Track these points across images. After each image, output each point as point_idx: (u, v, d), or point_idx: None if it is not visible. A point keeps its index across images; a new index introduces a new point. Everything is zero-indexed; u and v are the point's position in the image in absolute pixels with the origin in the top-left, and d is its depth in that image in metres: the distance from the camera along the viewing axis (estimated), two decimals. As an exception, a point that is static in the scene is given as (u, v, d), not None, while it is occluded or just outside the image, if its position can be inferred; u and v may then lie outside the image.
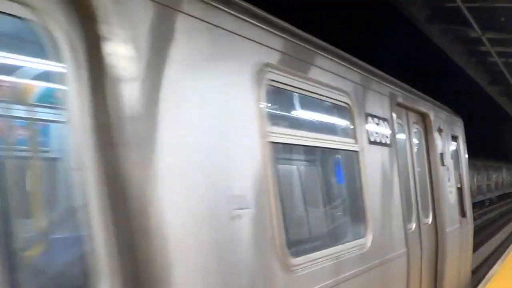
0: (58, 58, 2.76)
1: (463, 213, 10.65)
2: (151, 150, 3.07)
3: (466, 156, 12.08)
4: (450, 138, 10.51)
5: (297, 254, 4.40)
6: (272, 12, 4.69)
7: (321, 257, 4.73)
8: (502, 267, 12.33)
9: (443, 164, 9.05)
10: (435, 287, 8.35)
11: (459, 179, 10.81)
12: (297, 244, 4.91)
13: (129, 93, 2.96)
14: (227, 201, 3.63)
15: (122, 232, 2.82)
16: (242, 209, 3.80)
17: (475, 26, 13.42)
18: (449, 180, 9.46)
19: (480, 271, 15.21)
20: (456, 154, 11.23)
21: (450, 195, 9.40)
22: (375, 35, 17.24)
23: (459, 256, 9.83)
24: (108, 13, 2.93)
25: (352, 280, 5.35)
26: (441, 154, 9.06)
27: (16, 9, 2.69)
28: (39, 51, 2.89)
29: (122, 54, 2.98)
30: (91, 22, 2.89)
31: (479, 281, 11.38)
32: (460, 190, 10.66)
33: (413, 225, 7.39)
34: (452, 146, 10.68)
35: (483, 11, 13.11)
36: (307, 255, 4.58)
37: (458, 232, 9.82)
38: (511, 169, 58.67)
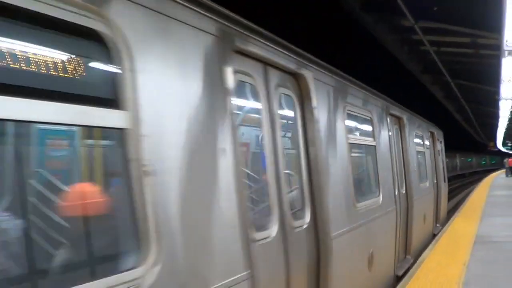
0: None
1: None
2: None
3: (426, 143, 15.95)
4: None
5: None
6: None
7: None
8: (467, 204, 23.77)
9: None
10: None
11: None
12: None
13: None
14: None
15: None
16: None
17: (408, 15, 13.35)
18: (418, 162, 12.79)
19: (456, 208, 25.61)
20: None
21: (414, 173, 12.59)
22: (310, 24, 17.04)
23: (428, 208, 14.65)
24: None
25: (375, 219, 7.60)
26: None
27: None
28: None
29: None
30: None
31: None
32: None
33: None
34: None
35: (416, 0, 13.12)
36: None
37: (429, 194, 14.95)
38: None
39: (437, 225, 17.80)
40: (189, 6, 4.16)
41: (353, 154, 8.66)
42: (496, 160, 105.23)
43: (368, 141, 9.74)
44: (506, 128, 31.45)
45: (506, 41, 8.27)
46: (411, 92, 24.16)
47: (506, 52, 8.55)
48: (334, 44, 17.56)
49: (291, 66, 6.06)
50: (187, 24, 4.09)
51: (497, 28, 8.64)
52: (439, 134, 17.91)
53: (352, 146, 8.53)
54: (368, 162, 9.97)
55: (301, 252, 6.01)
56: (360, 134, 9.58)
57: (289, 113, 6.41)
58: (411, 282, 10.49)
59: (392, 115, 11.53)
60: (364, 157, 9.95)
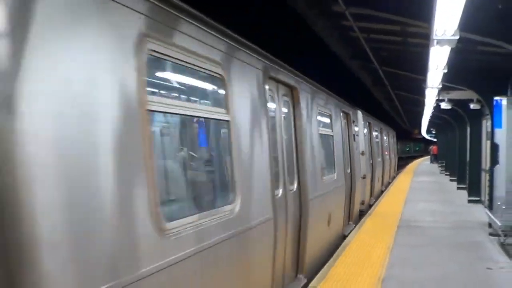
0: None
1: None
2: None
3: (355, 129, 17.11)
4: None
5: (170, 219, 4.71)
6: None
7: (193, 222, 5.11)
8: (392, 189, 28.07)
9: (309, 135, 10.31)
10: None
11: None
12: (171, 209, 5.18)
13: None
14: (101, 163, 3.76)
15: None
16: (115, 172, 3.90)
17: (339, 0, 13.42)
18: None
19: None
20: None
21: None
22: (242, 11, 16.94)
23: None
24: None
25: (223, 243, 5.77)
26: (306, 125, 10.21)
27: None
28: None
29: None
30: None
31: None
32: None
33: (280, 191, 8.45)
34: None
35: (348, -14, 13.19)
36: (180, 220, 4.88)
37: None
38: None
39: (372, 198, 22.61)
40: (250, 53, 7.10)
41: (321, 141, 11.62)
42: (420, 147, 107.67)
43: (328, 131, 12.87)
44: (431, 116, 32.18)
45: (436, 30, 8.40)
46: (339, 77, 24.41)
47: (435, 41, 8.70)
48: (266, 28, 17.53)
49: (290, 82, 9.27)
50: (249, 64, 7.09)
51: (427, 17, 8.77)
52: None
53: (320, 136, 11.45)
54: (328, 147, 12.81)
55: (294, 206, 9.09)
56: (324, 127, 12.34)
57: (288, 113, 9.42)
58: (338, 262, 10.67)
59: (343, 112, 15.44)
60: (326, 143, 12.51)
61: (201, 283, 5.21)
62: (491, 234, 14.49)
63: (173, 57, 5.01)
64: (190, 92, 5.99)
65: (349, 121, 16.98)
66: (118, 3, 4.08)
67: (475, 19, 9.14)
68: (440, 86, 16.01)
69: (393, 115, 51.25)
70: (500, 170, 15.26)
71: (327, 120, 12.92)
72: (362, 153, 19.31)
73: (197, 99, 6.13)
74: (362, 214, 18.60)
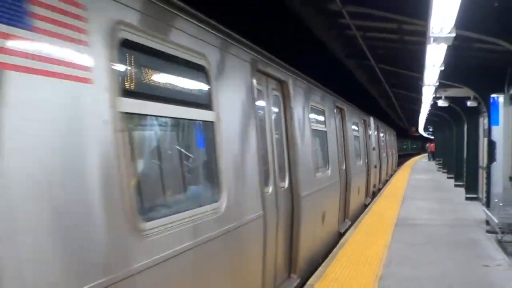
0: None
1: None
2: None
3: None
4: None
5: (149, 219, 4.48)
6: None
7: (175, 221, 4.83)
8: (389, 187, 28.70)
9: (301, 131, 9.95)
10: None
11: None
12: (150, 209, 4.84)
13: None
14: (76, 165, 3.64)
15: None
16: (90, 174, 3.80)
17: (337, -1, 13.40)
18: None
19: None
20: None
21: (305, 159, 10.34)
22: (241, 10, 16.92)
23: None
24: None
25: (208, 243, 5.48)
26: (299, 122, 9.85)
27: None
28: None
29: None
30: None
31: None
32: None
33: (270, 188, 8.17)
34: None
35: (345, -16, 13.19)
36: (160, 219, 4.65)
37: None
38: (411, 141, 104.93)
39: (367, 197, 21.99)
40: (236, 44, 6.82)
41: (314, 137, 11.43)
42: (417, 145, 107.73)
43: (321, 127, 12.69)
44: (428, 114, 32.21)
45: (432, 28, 8.40)
46: (336, 75, 24.44)
47: (431, 39, 8.69)
48: (263, 26, 17.52)
49: (280, 76, 8.95)
50: (236, 56, 6.81)
51: (423, 15, 8.77)
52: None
53: (313, 132, 11.26)
54: (322, 143, 12.72)
55: (286, 203, 8.91)
56: (317, 122, 12.19)
57: (278, 108, 9.14)
58: (335, 261, 10.67)
59: (337, 107, 15.22)
60: (319, 139, 12.44)
61: (184, 286, 5.01)
62: (488, 232, 14.49)
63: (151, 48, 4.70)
64: (171, 87, 5.46)
65: (366, 125, 22.34)
66: None
67: (471, 16, 9.14)
68: (437, 83, 16.02)
69: (390, 113, 51.26)
70: (497, 167, 15.29)
71: (320, 116, 12.75)
72: (374, 149, 24.25)
73: (178, 93, 5.49)
74: (374, 194, 23.83)
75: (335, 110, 14.55)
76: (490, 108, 15.60)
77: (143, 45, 4.57)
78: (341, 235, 14.11)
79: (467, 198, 22.38)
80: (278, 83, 9.10)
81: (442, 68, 12.87)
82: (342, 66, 21.51)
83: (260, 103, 7.99)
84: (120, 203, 4.05)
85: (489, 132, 15.77)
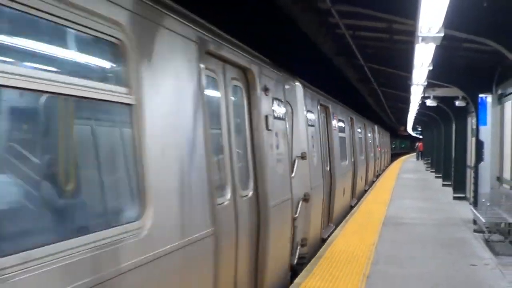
0: None
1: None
2: None
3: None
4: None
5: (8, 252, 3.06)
6: None
7: (59, 252, 3.42)
8: (378, 185, 29.91)
9: (267, 128, 8.16)
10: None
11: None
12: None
13: None
14: None
15: None
16: None
17: (326, -2, 13.41)
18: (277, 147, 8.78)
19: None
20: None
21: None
22: (229, 7, 16.88)
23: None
24: None
25: (118, 280, 3.99)
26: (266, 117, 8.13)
27: None
28: None
29: None
30: None
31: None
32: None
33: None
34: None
35: (334, -17, 13.21)
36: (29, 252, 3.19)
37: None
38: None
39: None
40: (178, 19, 5.46)
41: (289, 136, 10.27)
42: (406, 144, 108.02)
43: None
44: (417, 113, 32.30)
45: (421, 27, 8.42)
46: (325, 73, 24.44)
47: (420, 39, 8.71)
48: (251, 24, 17.49)
49: (242, 62, 7.41)
50: (174, 32, 5.38)
51: (412, 15, 8.78)
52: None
53: (289, 130, 10.25)
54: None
55: (249, 216, 7.47)
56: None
57: (240, 101, 7.66)
58: (322, 260, 10.68)
59: (321, 105, 14.15)
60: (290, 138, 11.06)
61: None
62: (475, 231, 14.55)
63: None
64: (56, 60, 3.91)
65: (353, 124, 22.15)
66: None
67: (460, 16, 9.16)
68: (426, 83, 16.06)
69: (379, 112, 51.36)
70: (485, 167, 15.35)
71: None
72: (362, 148, 24.78)
73: (69, 70, 3.95)
74: (361, 194, 23.58)
75: (318, 107, 13.61)
76: (478, 108, 15.65)
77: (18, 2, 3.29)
78: (324, 240, 13.22)
79: (454, 198, 22.46)
80: (241, 71, 7.58)
81: (431, 68, 12.91)
82: (332, 64, 21.51)
83: (213, 93, 6.66)
84: None
85: (477, 132, 15.83)
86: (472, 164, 17.41)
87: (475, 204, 15.62)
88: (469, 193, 19.84)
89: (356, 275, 9.88)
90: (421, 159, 63.64)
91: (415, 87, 17.33)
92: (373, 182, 31.83)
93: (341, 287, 9.15)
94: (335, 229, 14.84)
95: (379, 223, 15.81)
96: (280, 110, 9.20)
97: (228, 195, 6.67)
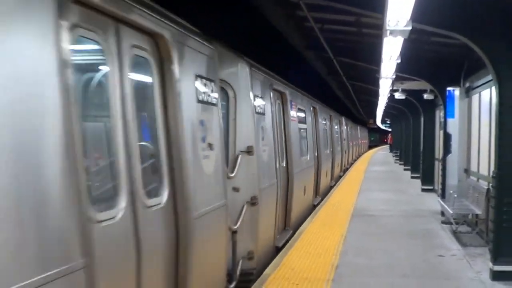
0: None
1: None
2: None
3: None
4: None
5: None
6: None
7: None
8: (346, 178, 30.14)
9: (190, 115, 6.21)
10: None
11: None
12: None
13: None
14: None
15: None
16: None
17: (294, -10, 13.45)
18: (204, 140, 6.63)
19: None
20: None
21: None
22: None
23: None
24: None
25: None
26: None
27: None
28: None
29: None
30: None
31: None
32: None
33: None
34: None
35: (302, -24, 13.24)
36: None
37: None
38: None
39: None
40: None
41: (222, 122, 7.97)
42: (375, 137, 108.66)
43: (246, 112, 9.57)
44: (385, 106, 32.50)
45: (388, 21, 8.46)
46: (294, 67, 24.52)
47: (387, 32, 8.76)
48: (218, 14, 17.46)
49: (148, 25, 5.32)
50: None
51: (380, 8, 8.82)
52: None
53: (223, 115, 8.07)
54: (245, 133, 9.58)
55: (162, 232, 5.51)
56: (233, 105, 9.45)
57: (148, 77, 5.66)
58: (291, 252, 10.70)
59: (275, 90, 12.20)
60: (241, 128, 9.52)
61: None
62: (443, 222, 14.72)
63: None
64: None
65: (316, 114, 20.01)
66: None
67: (427, 10, 9.22)
68: (394, 76, 16.17)
69: (348, 104, 51.63)
70: (453, 159, 15.53)
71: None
72: (326, 140, 23.21)
73: None
74: (327, 191, 22.47)
75: (271, 93, 11.40)
76: (446, 101, 15.82)
77: None
78: (278, 249, 11.36)
79: (423, 190, 22.68)
80: (149, 37, 5.54)
81: (399, 61, 12.99)
82: (301, 57, 21.56)
83: (91, 64, 5.02)
84: None
85: (445, 125, 16.00)
86: (440, 157, 17.60)
87: (443, 196, 15.80)
88: (437, 185, 20.04)
89: (325, 265, 9.93)
90: (390, 151, 64.17)
91: (383, 80, 17.44)
92: (340, 177, 30.88)
93: None
94: (293, 234, 13.00)
95: (348, 215, 15.90)
96: (210, 92, 7.02)
97: (123, 205, 4.68)
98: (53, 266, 3.43)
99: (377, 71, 16.41)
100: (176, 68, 5.79)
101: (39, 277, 3.25)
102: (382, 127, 79.48)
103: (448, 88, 15.75)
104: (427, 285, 9.14)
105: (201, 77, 6.67)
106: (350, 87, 31.52)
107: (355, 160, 47.72)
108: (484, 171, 13.34)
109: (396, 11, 8.26)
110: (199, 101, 6.57)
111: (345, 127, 36.60)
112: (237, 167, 8.97)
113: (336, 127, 29.18)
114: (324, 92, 33.21)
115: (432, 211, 16.72)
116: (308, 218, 15.20)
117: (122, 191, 4.69)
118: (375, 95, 27.53)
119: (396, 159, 46.95)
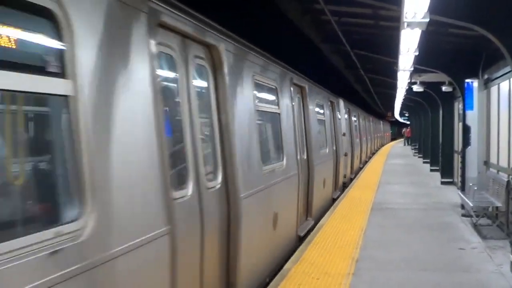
0: None
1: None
2: None
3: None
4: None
5: None
6: None
7: None
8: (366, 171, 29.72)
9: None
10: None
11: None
12: None
13: None
14: None
15: None
16: None
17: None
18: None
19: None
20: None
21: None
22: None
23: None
24: None
25: None
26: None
27: None
28: None
29: None
30: None
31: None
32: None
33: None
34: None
35: (319, -31, 13.21)
36: None
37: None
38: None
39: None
40: None
41: (261, 120, 9.49)
42: (394, 130, 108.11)
43: (273, 108, 10.33)
44: (403, 99, 32.36)
45: (406, 13, 8.43)
46: (311, 61, 24.42)
47: (405, 24, 8.72)
48: (236, 11, 17.44)
49: (206, 38, 6.54)
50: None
51: (397, 0, 8.78)
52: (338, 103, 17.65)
53: (260, 113, 9.26)
54: (274, 127, 10.47)
55: (217, 209, 6.75)
56: (266, 103, 9.97)
57: (205, 82, 6.84)
58: (310, 247, 10.71)
59: (295, 84, 12.52)
60: (269, 122, 10.30)
61: None
62: (463, 215, 14.64)
63: None
64: None
65: (334, 108, 20.22)
66: None
67: (445, 1, 9.17)
68: (412, 68, 16.10)
69: (366, 98, 51.44)
70: (472, 152, 15.42)
71: (270, 95, 10.33)
72: (344, 135, 22.67)
73: None
74: (345, 185, 22.02)
75: (291, 88, 11.90)
76: (464, 93, 15.71)
77: None
78: (301, 239, 11.81)
79: (442, 183, 22.58)
80: (205, 48, 6.75)
81: (417, 53, 12.93)
82: (318, 51, 21.49)
83: (166, 73, 5.88)
84: None
85: (464, 117, 15.90)
86: (459, 149, 17.49)
87: (462, 188, 15.71)
88: (457, 178, 19.95)
89: (345, 259, 9.92)
90: (409, 144, 63.87)
91: (401, 72, 17.37)
92: (360, 168, 31.21)
93: None
94: (315, 225, 13.37)
95: (367, 209, 15.87)
96: (254, 91, 8.68)
97: (190, 187, 5.85)
98: (156, 228, 4.75)
99: (395, 63, 16.33)
100: (225, 72, 7.04)
101: (148, 235, 4.58)
102: (401, 120, 79.06)
103: (467, 80, 15.64)
104: (448, 278, 9.10)
105: (246, 78, 8.19)
106: (368, 80, 31.40)
107: (377, 150, 47.77)
108: (504, 163, 13.26)
109: (413, 3, 8.23)
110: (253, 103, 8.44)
111: (364, 121, 36.68)
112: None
113: (354, 119, 29.17)
114: (344, 85, 33.03)
115: (452, 204, 16.65)
116: (328, 212, 15.19)
117: (190, 176, 5.88)
118: (393, 88, 27.40)
119: (415, 152, 46.76)
